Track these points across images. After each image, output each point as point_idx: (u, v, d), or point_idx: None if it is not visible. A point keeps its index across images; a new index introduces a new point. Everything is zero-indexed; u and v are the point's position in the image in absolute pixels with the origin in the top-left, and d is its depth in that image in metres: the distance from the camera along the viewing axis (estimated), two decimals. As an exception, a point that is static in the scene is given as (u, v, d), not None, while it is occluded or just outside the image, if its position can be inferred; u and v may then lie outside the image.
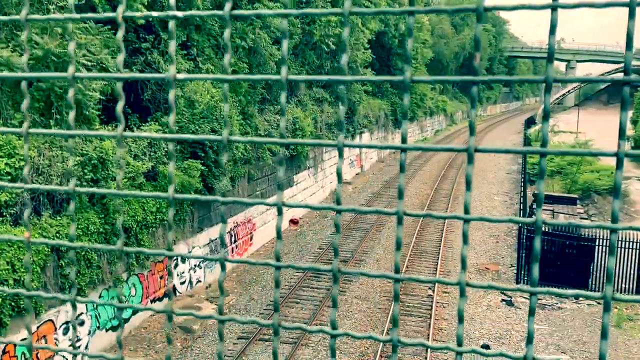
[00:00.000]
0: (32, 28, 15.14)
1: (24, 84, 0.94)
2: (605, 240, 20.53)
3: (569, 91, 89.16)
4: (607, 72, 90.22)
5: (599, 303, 19.64)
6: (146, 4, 17.64)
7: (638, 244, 19.97)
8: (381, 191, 34.54)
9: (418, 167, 42.67)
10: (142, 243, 16.53)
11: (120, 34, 0.85)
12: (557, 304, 19.56)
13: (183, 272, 19.16)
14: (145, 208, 16.47)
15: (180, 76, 0.87)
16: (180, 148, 18.57)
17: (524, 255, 20.89)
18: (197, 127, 18.65)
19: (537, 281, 0.72)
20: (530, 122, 64.15)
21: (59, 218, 14.28)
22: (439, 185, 35.87)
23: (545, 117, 0.74)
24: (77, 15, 0.86)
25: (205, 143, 18.94)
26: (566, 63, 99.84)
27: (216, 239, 21.12)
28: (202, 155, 18.93)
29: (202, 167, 18.59)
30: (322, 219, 28.65)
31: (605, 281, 0.77)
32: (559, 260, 20.29)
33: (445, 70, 67.48)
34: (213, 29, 21.27)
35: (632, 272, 19.93)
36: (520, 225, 23.16)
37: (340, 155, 0.81)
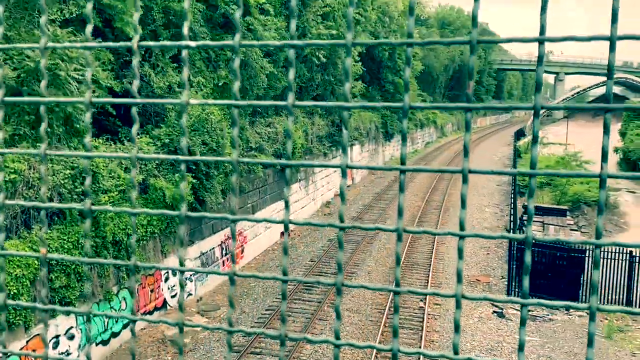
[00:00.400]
0: (24, 40, 15.19)
1: (42, 109, 0.98)
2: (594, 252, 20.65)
3: (557, 104, 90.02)
4: (596, 85, 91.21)
5: (588, 314, 19.74)
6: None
7: (627, 255, 20.13)
8: (372, 203, 34.62)
9: (409, 179, 42.82)
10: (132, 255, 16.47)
11: (136, 61, 0.90)
12: (548, 315, 19.63)
13: (174, 286, 19.09)
14: (137, 221, 16.44)
15: (193, 101, 0.92)
16: (171, 161, 18.53)
17: (514, 267, 20.99)
18: (188, 140, 18.66)
19: (527, 293, 0.77)
20: (519, 135, 64.61)
21: (49, 231, 14.23)
22: (430, 197, 36.01)
23: (534, 141, 0.80)
24: (95, 44, 0.91)
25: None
26: (555, 75, 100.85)
27: (207, 252, 21.07)
28: (194, 167, 18.96)
29: (194, 180, 18.61)
30: (314, 231, 28.65)
31: (591, 293, 0.82)
32: (549, 272, 20.41)
33: (436, 82, 67.95)
34: (204, 41, 21.36)
35: (621, 283, 20.08)
36: (511, 241, 23.27)
37: (344, 175, 0.86)
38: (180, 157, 0.92)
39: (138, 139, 13.63)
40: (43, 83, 0.94)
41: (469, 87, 0.80)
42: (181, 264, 0.95)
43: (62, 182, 14.42)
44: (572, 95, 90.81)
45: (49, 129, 15.03)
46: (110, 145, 17.07)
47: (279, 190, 27.68)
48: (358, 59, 36.93)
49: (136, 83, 0.90)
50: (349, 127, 0.85)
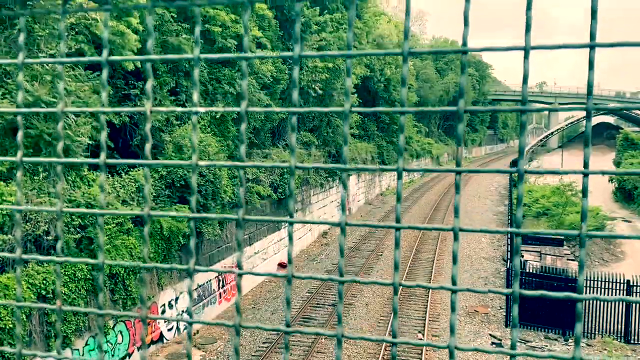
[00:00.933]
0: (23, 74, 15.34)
1: (59, 168, 1.04)
2: (592, 281, 20.67)
3: (552, 133, 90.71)
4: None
5: (589, 345, 19.67)
6: (136, 51, 17.93)
7: (623, 285, 20.11)
8: (369, 234, 34.58)
9: (406, 208, 42.87)
10: (129, 289, 16.42)
11: (148, 126, 0.96)
12: (546, 346, 19.53)
13: (170, 318, 18.94)
14: (133, 254, 16.41)
15: (202, 163, 0.99)
16: (168, 193, 18.60)
17: (512, 297, 20.93)
18: (185, 172, 18.75)
19: (515, 345, 0.82)
20: (515, 164, 64.87)
21: (45, 265, 14.18)
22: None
23: (519, 202, 0.86)
24: (110, 109, 0.98)
25: (191, 186, 19.00)
26: (549, 106, 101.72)
27: (204, 284, 20.97)
28: (190, 199, 18.97)
29: (191, 212, 18.60)
30: (310, 262, 28.57)
31: (575, 344, 0.87)
32: (547, 301, 20.36)
33: (430, 113, 68.38)
34: (202, 74, 21.62)
35: (619, 312, 20.02)
36: (508, 267, 23.27)
37: (343, 233, 0.92)
38: (190, 215, 0.98)
39: (136, 171, 13.63)
40: (60, 145, 1.00)
41: (458, 152, 0.86)
42: (190, 315, 1.00)
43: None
44: (566, 125, 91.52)
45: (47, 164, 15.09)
46: (108, 178, 17.13)
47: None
48: (354, 90, 37.30)
49: (148, 146, 0.97)
50: (347, 187, 0.91)
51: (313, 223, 0.97)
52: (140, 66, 17.83)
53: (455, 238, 0.86)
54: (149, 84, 0.95)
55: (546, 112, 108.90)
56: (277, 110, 0.93)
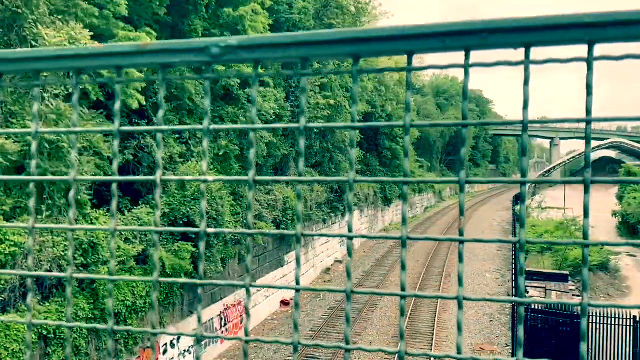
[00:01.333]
0: (28, 114, 15.53)
1: (70, 235, 1.06)
2: (596, 317, 20.44)
3: (554, 167, 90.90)
4: (591, 149, 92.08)
5: (596, 383, 19.34)
6: (140, 89, 18.13)
7: (631, 320, 19.87)
8: (373, 270, 34.38)
9: (409, 244, 42.63)
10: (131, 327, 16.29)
11: (158, 193, 0.99)
12: (554, 385, 19.23)
13: (172, 358, 18.74)
14: (135, 292, 16.31)
15: (210, 230, 1.01)
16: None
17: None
18: (188, 209, 18.76)
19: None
20: (518, 199, 64.83)
21: (47, 304, 14.11)
22: (431, 263, 35.79)
23: (521, 272, 0.88)
24: (122, 178, 1.01)
25: (194, 223, 19.01)
26: (550, 140, 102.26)
27: (206, 322, 20.79)
28: (193, 237, 18.95)
29: (194, 249, 18.56)
30: (314, 299, 28.34)
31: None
32: (553, 339, 20.10)
33: (432, 148, 68.79)
34: (205, 112, 21.80)
35: (626, 349, 19.73)
36: (514, 304, 23.02)
37: (349, 300, 0.93)
38: (198, 282, 1.00)
39: (139, 209, 13.62)
40: (72, 211, 1.03)
41: (460, 223, 0.88)
42: (197, 382, 1.01)
43: (62, 254, 14.42)
44: (569, 160, 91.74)
45: (49, 201, 15.15)
46: (111, 217, 17.13)
47: (278, 257, 27.58)
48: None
49: (158, 214, 0.99)
50: (352, 255, 0.93)
51: (319, 291, 0.99)
52: (144, 104, 18.00)
53: (460, 307, 0.88)
54: (159, 154, 0.97)
55: (548, 146, 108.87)
56: (284, 180, 0.96)
